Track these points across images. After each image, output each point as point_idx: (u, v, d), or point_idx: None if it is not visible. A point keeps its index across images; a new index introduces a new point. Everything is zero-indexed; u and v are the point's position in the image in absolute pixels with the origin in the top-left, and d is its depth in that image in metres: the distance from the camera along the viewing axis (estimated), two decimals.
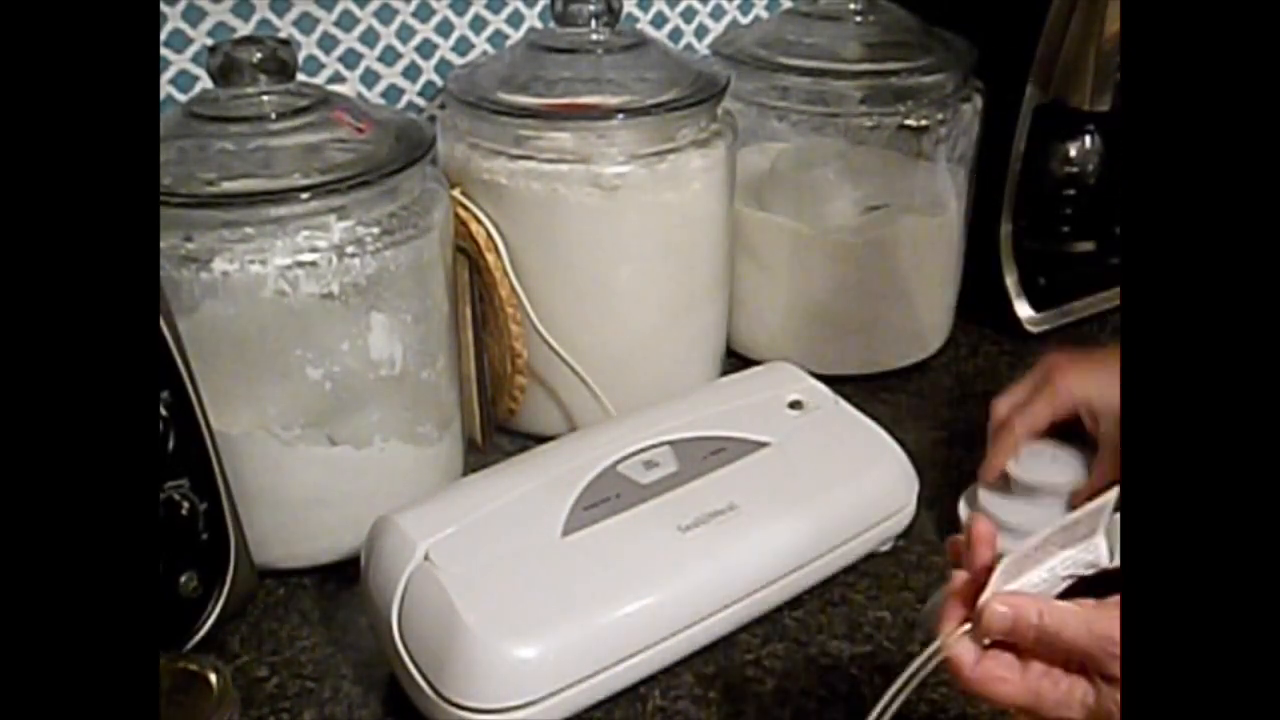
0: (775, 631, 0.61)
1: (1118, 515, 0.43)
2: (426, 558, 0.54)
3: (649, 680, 0.57)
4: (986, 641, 0.42)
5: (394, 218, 0.61)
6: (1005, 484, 0.65)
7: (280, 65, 0.60)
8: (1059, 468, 0.64)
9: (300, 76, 0.62)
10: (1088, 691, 0.41)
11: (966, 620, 0.43)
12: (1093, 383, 0.64)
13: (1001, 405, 0.66)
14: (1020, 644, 0.42)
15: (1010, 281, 0.89)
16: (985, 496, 0.65)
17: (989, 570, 0.44)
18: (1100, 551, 0.43)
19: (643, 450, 0.61)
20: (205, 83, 0.67)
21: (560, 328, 0.73)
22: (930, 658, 0.43)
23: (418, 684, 0.52)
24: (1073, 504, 0.63)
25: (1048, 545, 0.44)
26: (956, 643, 0.42)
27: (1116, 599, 0.42)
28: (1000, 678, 0.42)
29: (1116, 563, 0.43)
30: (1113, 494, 0.44)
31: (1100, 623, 0.40)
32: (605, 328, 0.74)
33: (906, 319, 0.85)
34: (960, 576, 0.45)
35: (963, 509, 0.67)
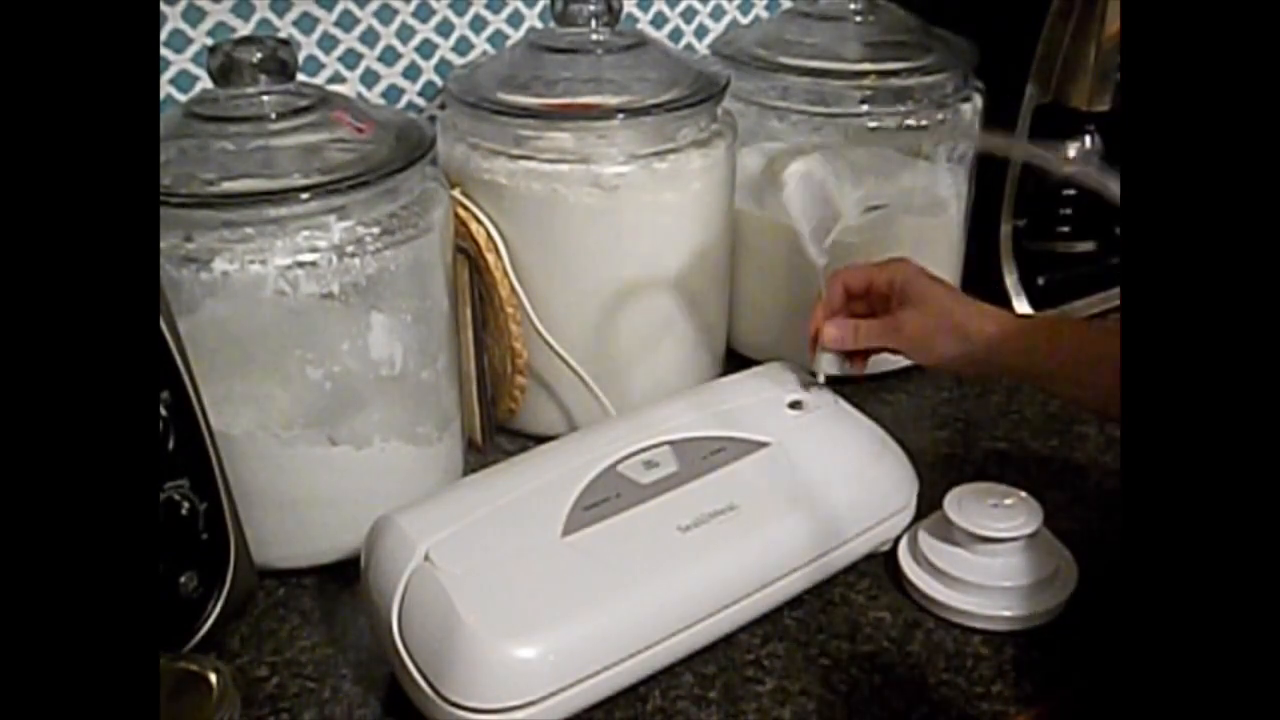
0: (775, 631, 0.61)
1: None
2: (426, 558, 0.54)
3: (649, 680, 0.57)
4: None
5: (394, 218, 0.61)
6: (945, 527, 0.63)
7: (280, 65, 0.60)
8: (999, 514, 0.62)
9: (300, 76, 0.62)
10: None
11: None
12: (923, 283, 0.65)
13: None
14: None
15: (1010, 281, 0.90)
16: (924, 539, 0.63)
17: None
18: None
19: (643, 450, 0.61)
20: (205, 83, 0.67)
21: (560, 328, 0.73)
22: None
23: (418, 684, 0.52)
24: None
25: None
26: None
27: None
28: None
29: None
30: None
31: None
32: (605, 328, 0.74)
33: None
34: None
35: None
